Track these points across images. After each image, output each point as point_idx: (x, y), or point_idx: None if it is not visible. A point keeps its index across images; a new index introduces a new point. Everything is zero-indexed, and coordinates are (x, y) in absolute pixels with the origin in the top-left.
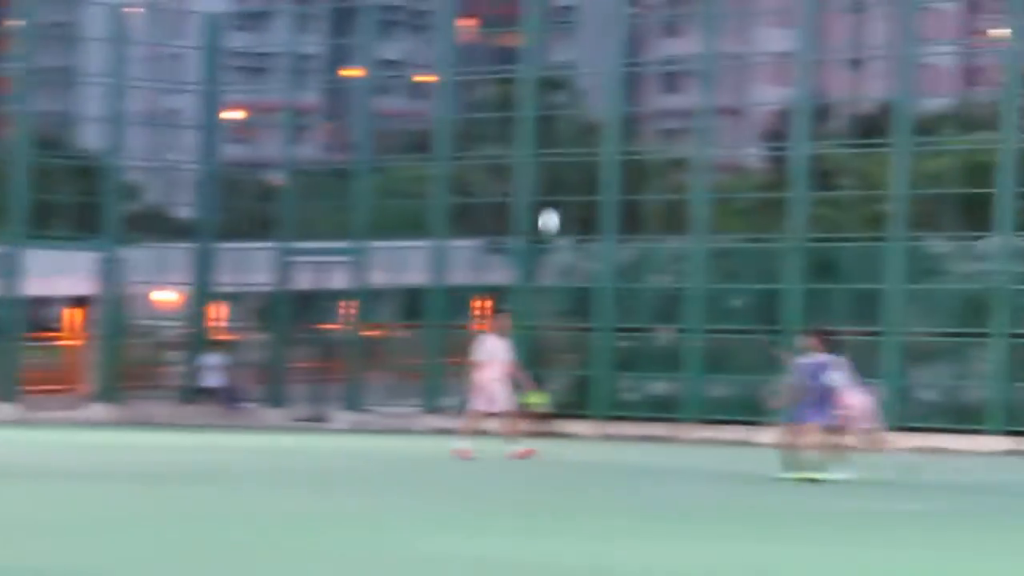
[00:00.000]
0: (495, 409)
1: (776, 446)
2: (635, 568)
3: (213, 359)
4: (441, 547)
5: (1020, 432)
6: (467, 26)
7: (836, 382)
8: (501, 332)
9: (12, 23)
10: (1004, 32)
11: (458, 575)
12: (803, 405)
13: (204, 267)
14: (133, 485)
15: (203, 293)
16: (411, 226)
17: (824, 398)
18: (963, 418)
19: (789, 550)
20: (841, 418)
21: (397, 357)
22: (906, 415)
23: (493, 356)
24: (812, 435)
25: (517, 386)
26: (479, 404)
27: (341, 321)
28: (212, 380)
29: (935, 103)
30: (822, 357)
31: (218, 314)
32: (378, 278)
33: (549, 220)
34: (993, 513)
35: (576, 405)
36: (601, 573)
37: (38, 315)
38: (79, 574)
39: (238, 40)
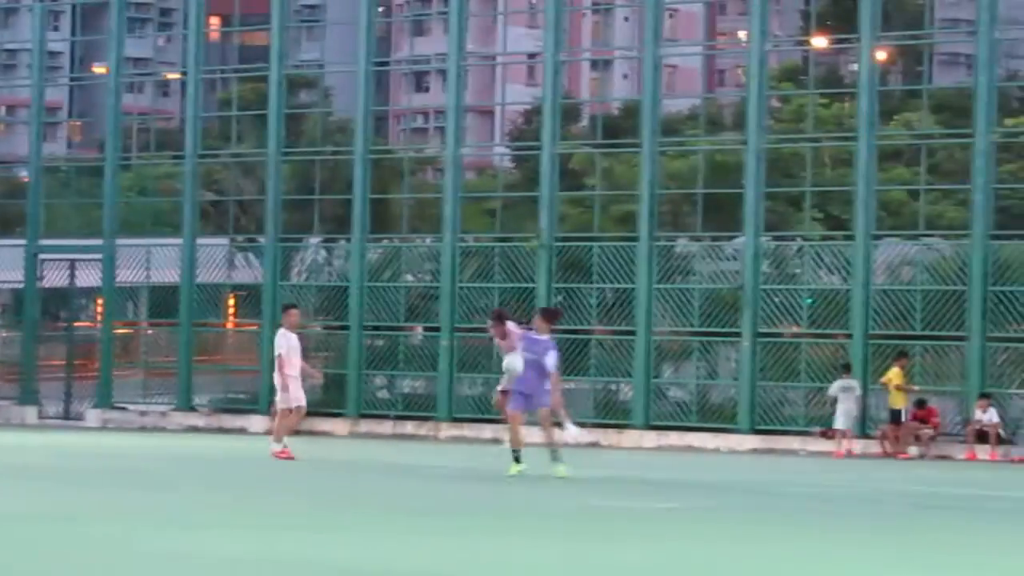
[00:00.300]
0: (295, 405)
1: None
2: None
3: None
4: (186, 544)
5: (766, 431)
6: (215, 24)
7: (551, 366)
8: (292, 327)
9: None
10: (746, 33)
11: (201, 572)
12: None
13: None
14: None
15: None
16: (161, 224)
17: (543, 380)
18: (712, 417)
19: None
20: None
21: (149, 355)
22: (656, 414)
23: (291, 352)
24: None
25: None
26: (287, 402)
27: (92, 319)
28: None
29: (681, 103)
30: (546, 338)
31: None
32: (128, 276)
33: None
34: (740, 511)
35: (329, 403)
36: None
37: None
38: None
39: None
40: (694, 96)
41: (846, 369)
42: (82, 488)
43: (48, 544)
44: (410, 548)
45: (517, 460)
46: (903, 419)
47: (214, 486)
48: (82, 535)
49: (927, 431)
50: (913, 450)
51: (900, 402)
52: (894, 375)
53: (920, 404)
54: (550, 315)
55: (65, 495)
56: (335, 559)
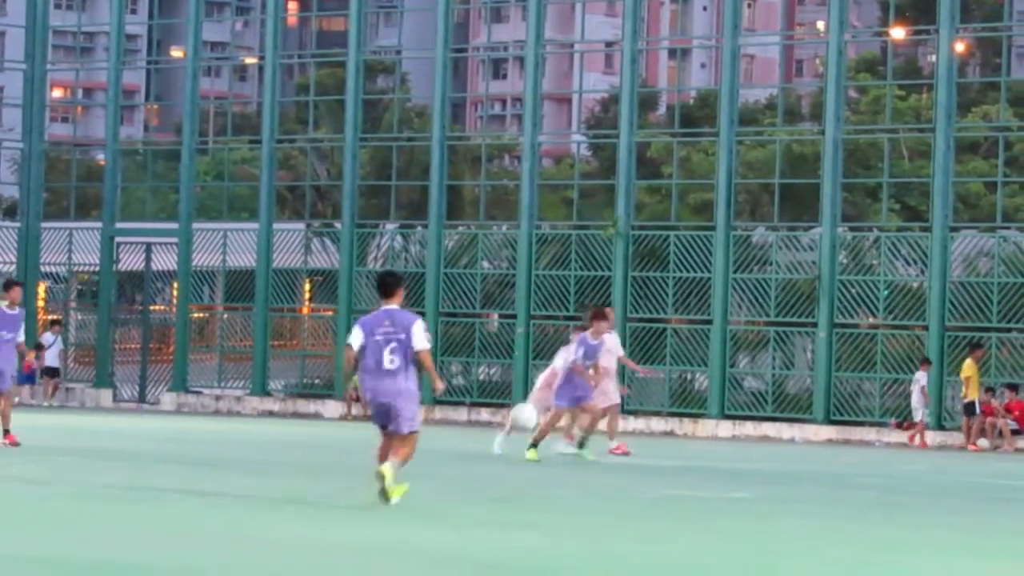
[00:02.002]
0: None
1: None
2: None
3: (48, 339)
4: (286, 530)
5: (842, 422)
6: (293, 9)
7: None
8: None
9: None
10: (824, 24)
11: (311, 558)
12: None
13: (29, 247)
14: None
15: (29, 273)
16: (237, 208)
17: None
18: (788, 407)
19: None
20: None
21: (224, 339)
22: (732, 403)
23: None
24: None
25: None
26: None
27: (167, 302)
28: (48, 360)
29: (758, 93)
30: (606, 337)
31: (46, 294)
32: (204, 259)
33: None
34: (812, 501)
35: None
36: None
37: None
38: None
39: (62, 18)
40: (772, 86)
41: (926, 363)
42: (175, 470)
43: (162, 525)
44: (492, 536)
45: (534, 445)
46: (977, 411)
47: (305, 471)
48: (170, 515)
49: (1003, 422)
50: (984, 442)
51: (973, 394)
52: (967, 367)
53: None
54: (601, 316)
55: (162, 477)
56: (436, 547)
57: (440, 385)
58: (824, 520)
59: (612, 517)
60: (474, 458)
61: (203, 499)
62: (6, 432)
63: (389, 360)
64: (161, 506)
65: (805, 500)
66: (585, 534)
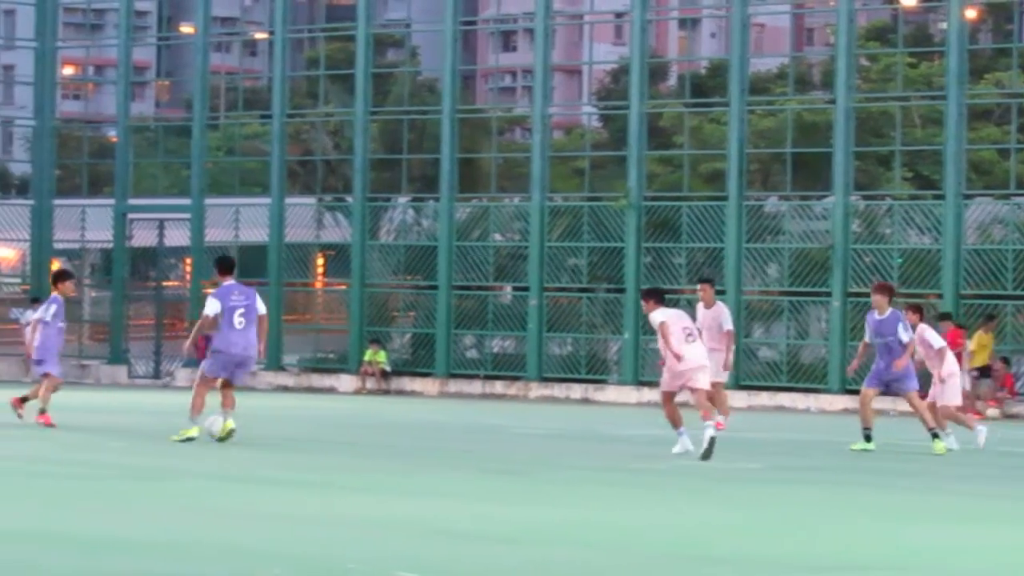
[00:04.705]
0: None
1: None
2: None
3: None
4: (286, 505)
5: (857, 391)
6: None
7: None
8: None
9: None
10: None
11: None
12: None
13: (41, 224)
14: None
15: (41, 250)
16: (249, 183)
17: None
18: (802, 377)
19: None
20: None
21: None
22: (746, 374)
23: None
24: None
25: None
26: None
27: (181, 278)
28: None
29: (769, 62)
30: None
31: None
32: (217, 235)
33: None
34: (831, 471)
35: (418, 363)
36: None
37: None
38: None
39: None
40: (782, 55)
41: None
42: (202, 449)
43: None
44: (503, 509)
45: (868, 439)
46: (990, 376)
47: (317, 446)
48: (184, 490)
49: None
50: (994, 411)
51: (981, 360)
52: (980, 338)
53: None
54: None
55: (185, 456)
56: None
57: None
58: (839, 489)
59: (624, 489)
60: (487, 431)
61: (211, 476)
62: (42, 411)
63: (239, 322)
64: (167, 482)
65: (820, 469)
66: (597, 506)
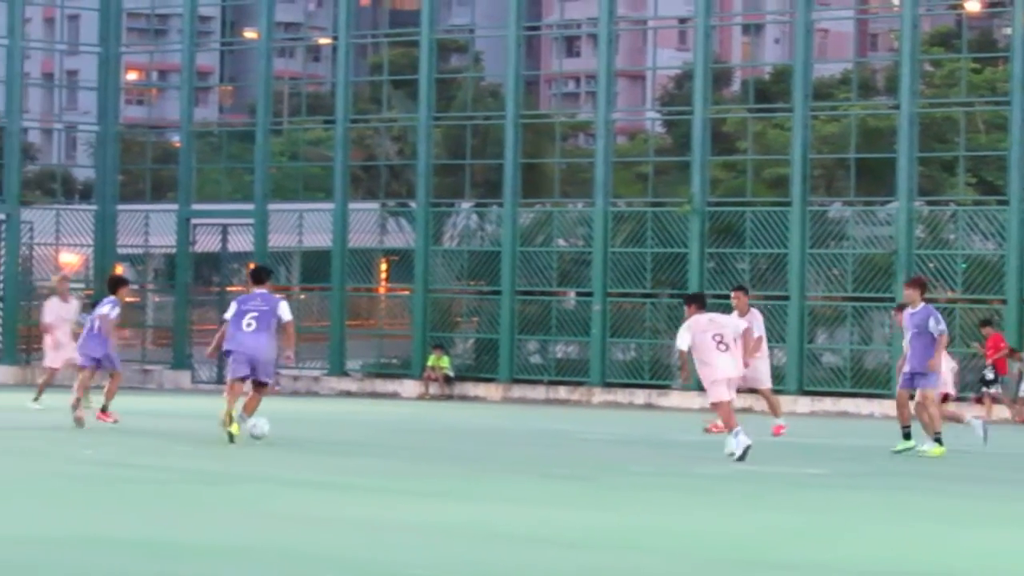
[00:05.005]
0: None
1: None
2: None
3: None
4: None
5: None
6: None
7: None
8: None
9: None
10: None
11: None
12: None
13: (105, 229)
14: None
15: (105, 255)
16: (312, 188)
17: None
18: (866, 382)
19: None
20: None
21: (301, 319)
22: (809, 379)
23: None
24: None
25: None
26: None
27: (244, 283)
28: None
29: (833, 68)
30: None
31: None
32: (280, 240)
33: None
34: (895, 476)
35: (482, 368)
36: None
37: None
38: None
39: (136, 1)
40: (846, 60)
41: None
42: (281, 453)
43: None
44: (568, 515)
45: (907, 437)
46: None
47: (381, 451)
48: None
49: None
50: None
51: None
52: None
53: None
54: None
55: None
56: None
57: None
58: (904, 495)
59: (686, 493)
60: (551, 436)
61: (272, 480)
62: (104, 409)
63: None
64: (230, 487)
65: (884, 475)
66: (659, 511)
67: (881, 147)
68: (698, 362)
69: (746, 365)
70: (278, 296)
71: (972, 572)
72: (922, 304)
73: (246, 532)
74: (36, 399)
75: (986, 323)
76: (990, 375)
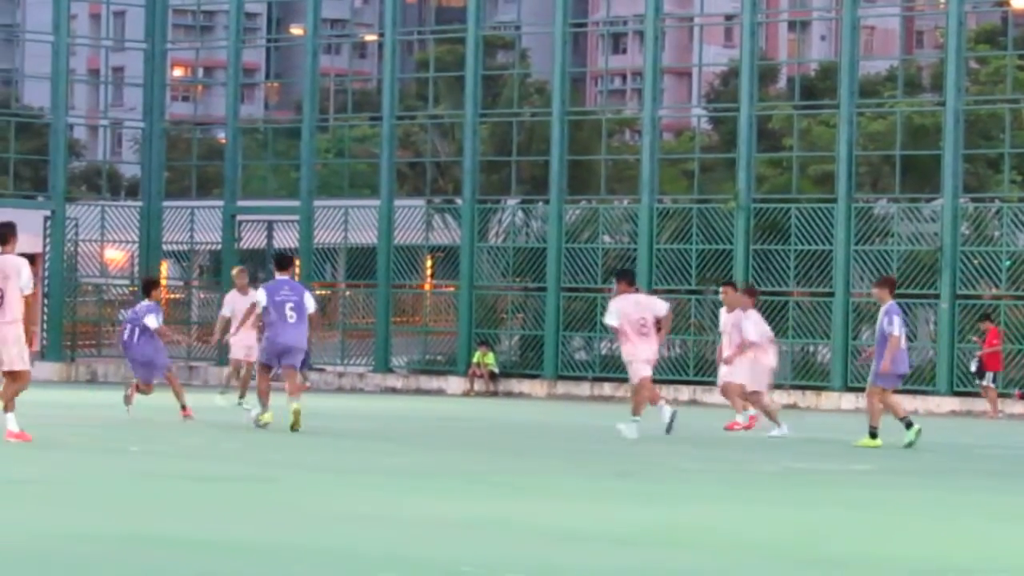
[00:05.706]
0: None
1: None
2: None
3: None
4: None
5: (965, 393)
6: None
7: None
8: None
9: None
10: None
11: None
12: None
13: (151, 225)
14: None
15: (150, 252)
16: (358, 185)
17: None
18: (911, 379)
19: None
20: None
21: (346, 316)
22: (854, 376)
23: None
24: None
25: None
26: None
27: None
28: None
29: (879, 65)
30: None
31: (168, 272)
32: (326, 237)
33: None
34: (940, 473)
35: (527, 365)
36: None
37: None
38: None
39: None
40: (892, 57)
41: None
42: (324, 446)
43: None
44: (615, 510)
45: (908, 426)
46: None
47: (424, 446)
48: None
49: None
50: None
51: None
52: None
53: None
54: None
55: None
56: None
57: None
58: (949, 492)
59: (734, 490)
60: (597, 432)
61: (318, 477)
62: (183, 407)
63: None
64: (280, 484)
65: (929, 472)
66: (708, 508)
67: (927, 144)
68: (622, 338)
69: (728, 362)
70: (302, 285)
71: (1021, 569)
72: (890, 302)
73: (293, 530)
74: (241, 398)
75: (985, 318)
76: (973, 367)
